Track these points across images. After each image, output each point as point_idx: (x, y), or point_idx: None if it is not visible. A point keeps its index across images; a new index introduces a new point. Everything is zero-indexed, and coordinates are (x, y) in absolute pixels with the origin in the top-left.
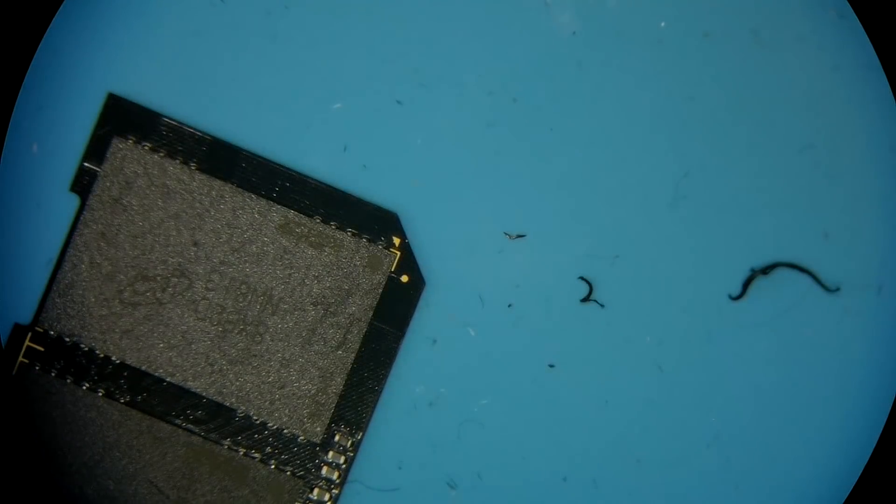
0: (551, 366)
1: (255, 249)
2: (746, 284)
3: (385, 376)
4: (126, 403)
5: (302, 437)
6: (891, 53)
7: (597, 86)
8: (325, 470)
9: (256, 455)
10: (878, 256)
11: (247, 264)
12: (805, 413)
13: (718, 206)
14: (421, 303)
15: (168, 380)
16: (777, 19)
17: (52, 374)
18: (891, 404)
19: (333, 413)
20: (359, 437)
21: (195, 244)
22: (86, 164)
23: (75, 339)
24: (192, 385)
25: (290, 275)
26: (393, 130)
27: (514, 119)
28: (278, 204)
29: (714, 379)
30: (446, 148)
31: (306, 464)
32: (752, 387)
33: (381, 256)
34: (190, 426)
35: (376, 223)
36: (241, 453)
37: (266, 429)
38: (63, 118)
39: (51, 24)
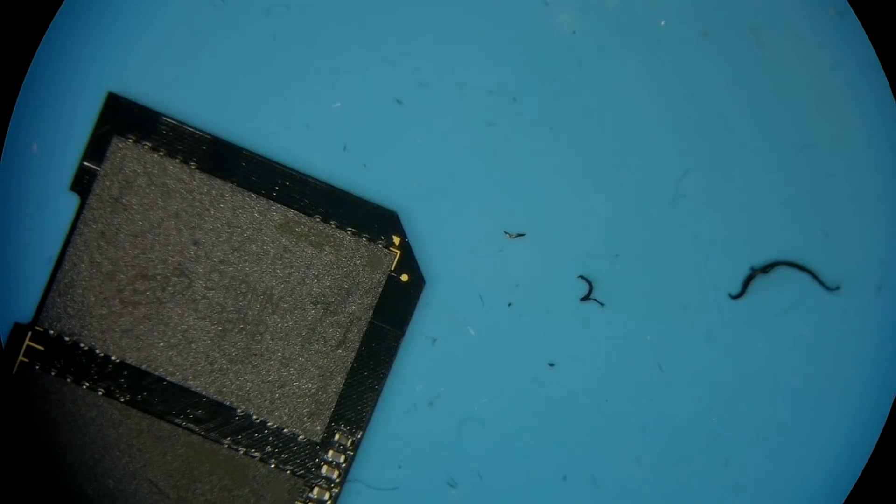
0: (551, 364)
1: (254, 248)
2: (746, 283)
3: (385, 375)
4: (126, 402)
5: (302, 436)
6: (890, 52)
7: (596, 85)
8: (325, 469)
9: (256, 454)
10: (878, 255)
11: (247, 263)
12: (805, 413)
13: (718, 205)
14: (421, 302)
15: (168, 379)
16: (776, 18)
17: (52, 374)
18: (891, 404)
19: (333, 412)
20: (359, 436)
21: (195, 243)
22: (86, 164)
23: (75, 338)
24: (192, 384)
25: (289, 274)
26: (393, 130)
27: (514, 118)
28: (278, 203)
29: (714, 378)
30: (446, 147)
31: (306, 463)
32: (752, 386)
33: (380, 255)
34: (190, 425)
35: (376, 222)
36: (241, 452)
37: (266, 428)
38: (63, 118)
39: (51, 24)
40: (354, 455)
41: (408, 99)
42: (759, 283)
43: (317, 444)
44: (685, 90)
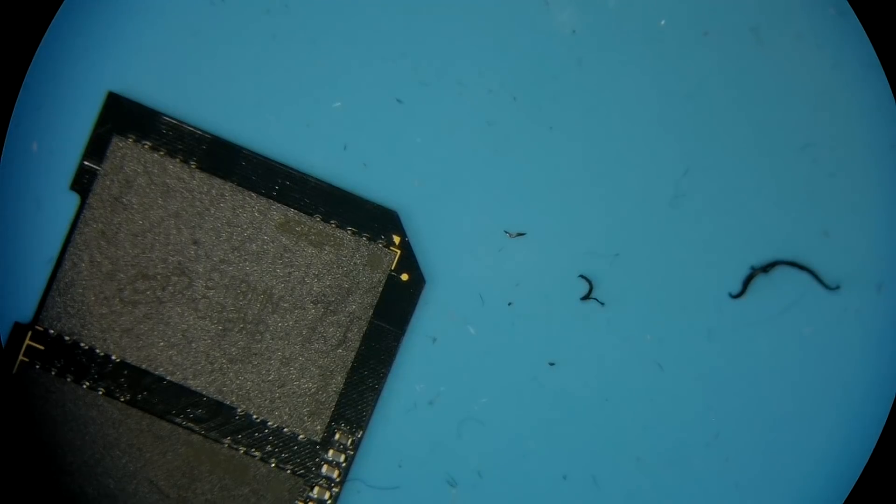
0: (551, 364)
1: (255, 248)
2: (746, 282)
3: (385, 375)
4: (126, 402)
5: (302, 436)
6: (890, 51)
7: (597, 84)
8: (325, 468)
9: (256, 453)
10: (878, 255)
11: (247, 263)
12: (805, 412)
13: (718, 204)
14: (421, 301)
15: (168, 378)
16: (776, 17)
17: (53, 373)
18: (891, 404)
19: (333, 411)
20: (359, 436)
21: (195, 243)
22: (86, 163)
23: (75, 337)
24: (193, 384)
25: (290, 273)
26: (393, 129)
27: (514, 117)
28: (278, 202)
29: (714, 378)
30: (446, 146)
31: (306, 462)
32: (752, 386)
33: (381, 255)
34: (190, 425)
35: (376, 221)
36: (241, 452)
37: (266, 427)
38: (63, 117)
39: (51, 24)
40: (354, 454)
41: (408, 98)
42: (759, 282)
43: (317, 443)
44: (685, 90)
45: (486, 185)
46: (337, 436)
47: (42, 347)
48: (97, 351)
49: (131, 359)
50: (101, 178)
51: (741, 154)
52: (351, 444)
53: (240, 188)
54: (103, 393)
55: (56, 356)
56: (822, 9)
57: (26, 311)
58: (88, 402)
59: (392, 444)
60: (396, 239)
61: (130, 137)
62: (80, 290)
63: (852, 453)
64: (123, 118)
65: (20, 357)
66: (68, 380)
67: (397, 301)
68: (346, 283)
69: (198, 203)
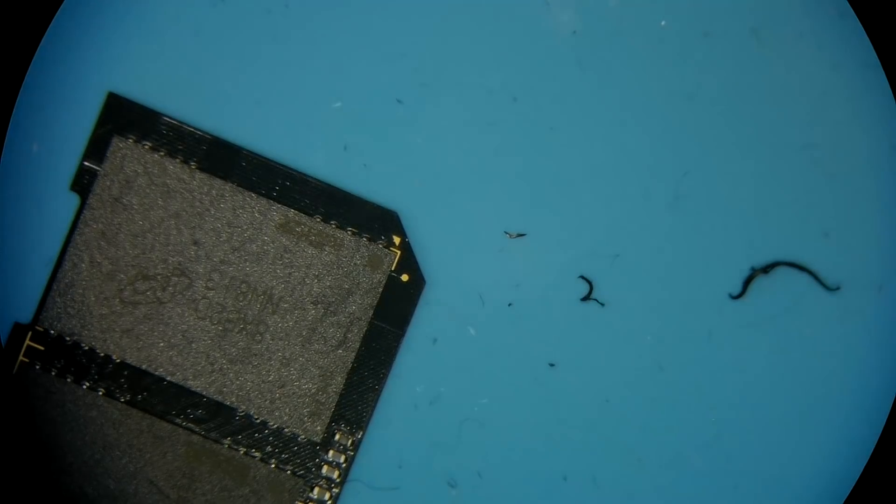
0: (551, 365)
1: (255, 248)
2: (747, 283)
3: (385, 375)
4: (126, 402)
5: (302, 436)
6: (890, 52)
7: (597, 85)
8: (325, 469)
9: (257, 454)
10: (878, 255)
11: (247, 263)
12: (805, 413)
13: (718, 205)
14: (421, 302)
15: (168, 379)
16: (777, 18)
17: (53, 374)
18: (891, 404)
19: (334, 412)
20: (359, 436)
21: (195, 243)
22: (86, 163)
23: (75, 337)
24: (193, 384)
25: (290, 274)
26: (393, 129)
27: (515, 118)
28: (278, 203)
29: (714, 378)
30: (447, 147)
31: (307, 463)
32: (752, 386)
33: (381, 255)
34: (190, 425)
35: (376, 222)
36: (242, 452)
37: (266, 428)
38: (63, 117)
39: (51, 24)
40: (355, 455)
41: (408, 99)
42: (759, 283)
43: (317, 444)
44: (685, 90)
45: (486, 185)
46: (337, 436)
47: (42, 348)
48: (97, 351)
49: (131, 359)
50: (101, 178)
51: (741, 155)
52: (351, 444)
53: (240, 189)
54: (103, 393)
55: (56, 357)
56: (822, 9)
57: (26, 312)
58: (88, 402)
59: (392, 444)
60: (397, 239)
61: (131, 138)
62: (81, 291)
63: (852, 453)
64: (123, 118)
65: (20, 357)
66: (68, 380)
67: (397, 302)
68: (346, 283)
69: (198, 203)
